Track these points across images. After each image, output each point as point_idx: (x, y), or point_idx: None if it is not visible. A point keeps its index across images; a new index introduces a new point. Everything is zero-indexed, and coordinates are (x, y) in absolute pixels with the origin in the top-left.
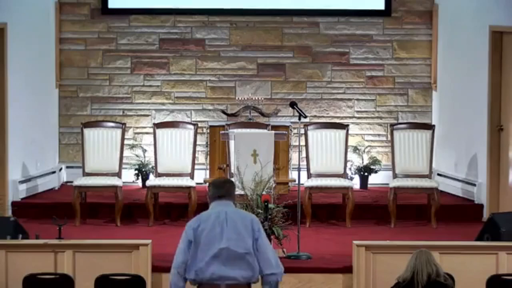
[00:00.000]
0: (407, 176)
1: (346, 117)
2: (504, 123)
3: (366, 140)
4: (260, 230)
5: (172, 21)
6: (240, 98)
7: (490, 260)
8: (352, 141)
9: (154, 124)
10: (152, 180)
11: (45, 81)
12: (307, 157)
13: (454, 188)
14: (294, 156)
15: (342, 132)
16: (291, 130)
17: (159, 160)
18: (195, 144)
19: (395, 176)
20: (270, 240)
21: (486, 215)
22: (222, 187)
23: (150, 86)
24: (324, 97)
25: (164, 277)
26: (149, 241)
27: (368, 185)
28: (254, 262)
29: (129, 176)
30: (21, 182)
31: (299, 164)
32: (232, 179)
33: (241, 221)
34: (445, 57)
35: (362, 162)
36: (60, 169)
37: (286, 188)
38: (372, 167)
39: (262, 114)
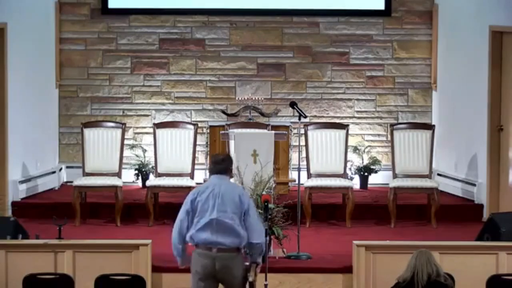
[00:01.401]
0: (407, 176)
1: (346, 117)
2: (504, 123)
3: (366, 140)
4: (249, 203)
5: (172, 21)
6: (240, 98)
7: (490, 260)
8: (352, 141)
9: (154, 124)
10: (152, 180)
11: (45, 81)
12: (307, 157)
13: (454, 188)
14: (294, 156)
15: (342, 132)
16: (291, 130)
17: (159, 160)
18: (195, 144)
19: (395, 176)
20: (270, 240)
21: (486, 215)
22: (220, 164)
23: (150, 86)
24: (324, 97)
25: (164, 277)
26: (149, 241)
27: (368, 185)
28: (241, 231)
29: (129, 176)
30: (21, 182)
31: (299, 164)
32: (232, 179)
33: (232, 195)
34: (445, 57)
35: (362, 162)
36: (60, 169)
37: (286, 188)
38: (372, 167)
39: (262, 114)
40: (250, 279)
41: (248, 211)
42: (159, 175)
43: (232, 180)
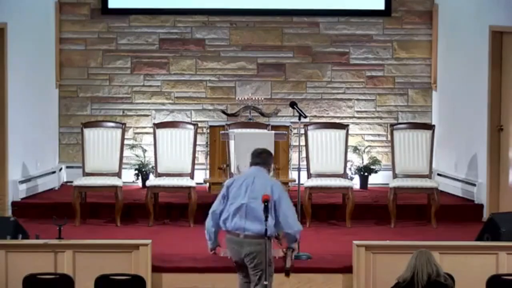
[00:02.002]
0: (407, 176)
1: (346, 117)
2: (504, 123)
3: (366, 140)
4: (280, 194)
5: (172, 21)
6: (240, 98)
7: (490, 260)
8: (352, 141)
9: (154, 124)
10: (152, 180)
11: (45, 81)
12: (307, 157)
13: (454, 188)
14: (294, 156)
15: (342, 132)
16: (291, 130)
17: (159, 160)
18: (195, 144)
19: (395, 176)
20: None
21: (486, 215)
22: (258, 156)
23: (150, 86)
24: (324, 97)
25: (164, 277)
26: (149, 241)
27: (368, 185)
28: (269, 220)
29: (129, 176)
30: (21, 182)
31: (299, 164)
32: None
33: (264, 185)
34: (445, 57)
35: (362, 162)
36: (60, 169)
37: (286, 188)
38: (372, 167)
39: (262, 114)
40: (287, 265)
41: (279, 202)
42: (159, 175)
43: (269, 172)
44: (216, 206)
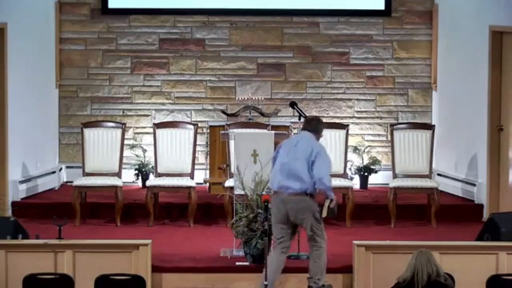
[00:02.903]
0: (407, 176)
1: (346, 117)
2: (504, 123)
3: (366, 140)
4: (318, 155)
5: (172, 21)
6: (240, 98)
7: (490, 260)
8: (352, 141)
9: (154, 124)
10: (152, 180)
11: (45, 81)
12: None
13: (454, 188)
14: None
15: (342, 132)
16: (291, 130)
17: (159, 160)
18: (195, 144)
19: (395, 176)
20: (270, 240)
21: (486, 215)
22: (308, 123)
23: (150, 86)
24: (324, 97)
25: (164, 277)
26: (149, 241)
27: (368, 185)
28: (307, 178)
29: (129, 176)
30: (21, 182)
31: None
32: (232, 179)
33: (306, 146)
34: (445, 57)
35: (362, 162)
36: (60, 169)
37: None
38: (372, 167)
39: (262, 114)
40: (323, 214)
41: (316, 160)
42: (159, 175)
43: (318, 139)
44: (271, 169)
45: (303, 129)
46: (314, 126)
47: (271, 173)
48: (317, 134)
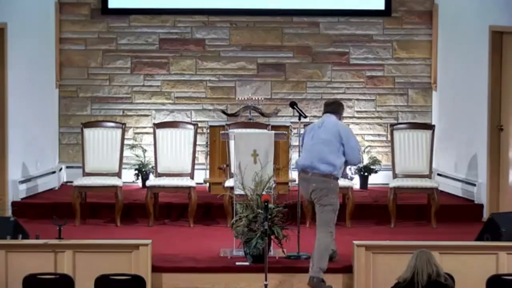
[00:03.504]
0: (407, 176)
1: (346, 117)
2: (504, 123)
3: (366, 140)
4: (347, 135)
5: (172, 21)
6: (240, 98)
7: (490, 260)
8: None
9: (154, 124)
10: (152, 180)
11: (45, 81)
12: None
13: (454, 188)
14: (294, 156)
15: None
16: (291, 130)
17: (159, 160)
18: (195, 144)
19: (395, 176)
20: (270, 240)
21: (486, 215)
22: (330, 105)
23: (150, 86)
24: (324, 97)
25: (164, 277)
26: (149, 241)
27: (368, 185)
28: (335, 160)
29: (129, 176)
30: (21, 182)
31: None
32: (232, 179)
33: (332, 128)
34: (445, 57)
35: (362, 162)
36: (60, 169)
37: (286, 188)
38: (372, 167)
39: (262, 114)
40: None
41: (347, 141)
42: (159, 175)
43: (340, 121)
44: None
45: (325, 112)
46: (335, 107)
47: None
48: (339, 115)
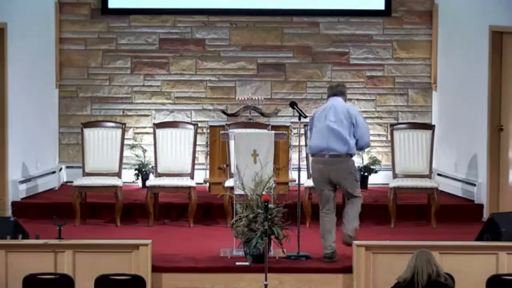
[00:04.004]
0: (407, 176)
1: None
2: (504, 123)
3: None
4: (357, 116)
5: (172, 21)
6: (240, 98)
7: (490, 260)
8: None
9: (154, 124)
10: (152, 180)
11: (45, 81)
12: (307, 157)
13: (454, 188)
14: (294, 156)
15: None
16: (291, 130)
17: (159, 160)
18: (195, 144)
19: (395, 176)
20: (270, 240)
21: (486, 215)
22: (335, 88)
23: (150, 86)
24: (324, 97)
25: (164, 277)
26: (149, 241)
27: (368, 185)
28: (349, 139)
29: (129, 176)
30: (21, 182)
31: (299, 164)
32: (232, 179)
33: (342, 109)
34: (445, 57)
35: (362, 162)
36: (60, 169)
37: (286, 188)
38: (372, 167)
39: (262, 114)
40: None
41: (357, 122)
42: (159, 175)
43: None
44: (309, 139)
45: (332, 95)
46: (341, 89)
47: (309, 140)
48: (345, 96)
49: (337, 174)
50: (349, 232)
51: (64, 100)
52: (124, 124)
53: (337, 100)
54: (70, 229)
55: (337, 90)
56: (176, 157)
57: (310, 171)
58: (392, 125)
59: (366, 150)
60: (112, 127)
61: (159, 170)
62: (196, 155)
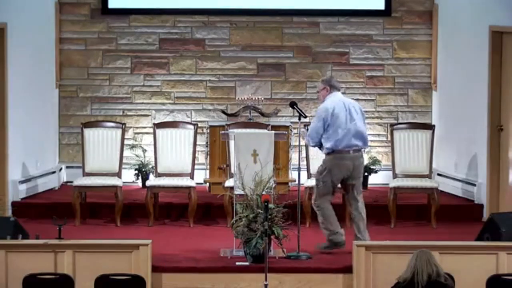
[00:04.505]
0: (407, 176)
1: None
2: (504, 123)
3: None
4: (363, 112)
5: (172, 21)
6: (240, 98)
7: (490, 260)
8: None
9: (154, 124)
10: (152, 180)
11: (45, 81)
12: (307, 157)
13: (454, 188)
14: (294, 156)
15: None
16: (291, 130)
17: (159, 160)
18: (195, 144)
19: (395, 176)
20: (270, 240)
21: (486, 215)
22: (336, 82)
23: (150, 86)
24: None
25: (164, 277)
26: (149, 241)
27: (368, 185)
28: (366, 135)
29: (129, 176)
30: (21, 182)
31: (299, 164)
32: (232, 179)
33: (355, 107)
34: (445, 57)
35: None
36: (60, 169)
37: (286, 188)
38: (372, 167)
39: (262, 114)
40: None
41: (364, 119)
42: (159, 175)
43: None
44: (318, 129)
45: (338, 89)
46: (338, 84)
47: (317, 130)
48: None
49: (358, 169)
50: (366, 238)
51: (64, 100)
52: (124, 124)
53: (343, 97)
54: (70, 229)
55: (339, 86)
56: (176, 157)
57: (325, 166)
58: (392, 125)
59: (366, 150)
60: (112, 127)
61: (159, 170)
62: (196, 155)
